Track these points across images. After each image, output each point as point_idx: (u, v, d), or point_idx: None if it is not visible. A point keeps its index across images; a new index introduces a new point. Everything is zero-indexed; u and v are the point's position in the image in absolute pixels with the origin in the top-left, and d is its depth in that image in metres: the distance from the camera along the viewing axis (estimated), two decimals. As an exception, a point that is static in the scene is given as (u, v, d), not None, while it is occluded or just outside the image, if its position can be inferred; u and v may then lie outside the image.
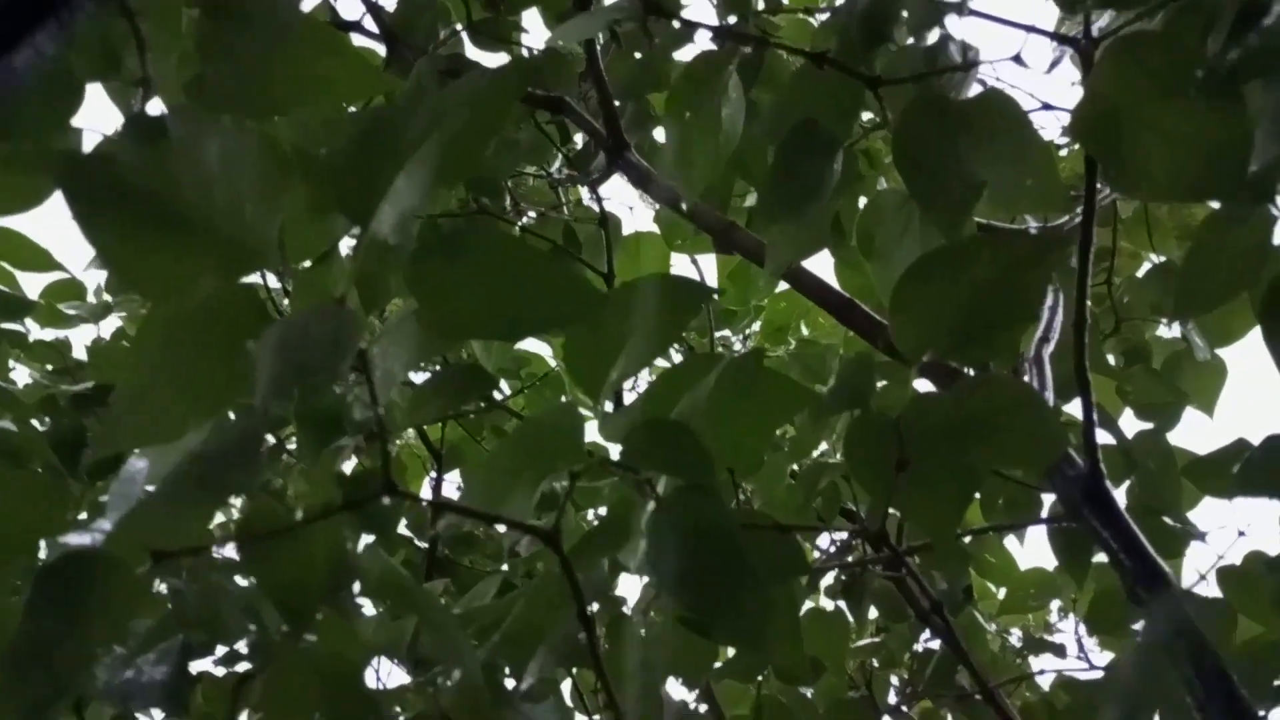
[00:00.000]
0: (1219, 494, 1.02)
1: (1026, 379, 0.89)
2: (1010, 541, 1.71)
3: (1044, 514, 1.31)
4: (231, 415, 0.46)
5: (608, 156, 1.06)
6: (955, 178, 0.63)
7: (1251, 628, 1.06)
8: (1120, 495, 1.43)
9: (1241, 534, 1.01)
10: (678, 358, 1.75)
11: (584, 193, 1.42)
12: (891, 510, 1.41)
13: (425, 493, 1.90)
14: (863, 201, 0.95)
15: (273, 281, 1.24)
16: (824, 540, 1.54)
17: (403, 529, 1.85)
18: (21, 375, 1.66)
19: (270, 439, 1.20)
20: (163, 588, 0.67)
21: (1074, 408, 1.56)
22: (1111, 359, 1.56)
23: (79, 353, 1.70)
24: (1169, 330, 1.57)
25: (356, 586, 0.61)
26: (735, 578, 0.54)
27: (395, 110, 0.47)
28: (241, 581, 0.63)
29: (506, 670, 0.82)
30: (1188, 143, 0.55)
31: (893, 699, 1.74)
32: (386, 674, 1.32)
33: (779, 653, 0.62)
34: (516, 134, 1.28)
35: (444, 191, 1.11)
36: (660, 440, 0.54)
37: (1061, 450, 0.55)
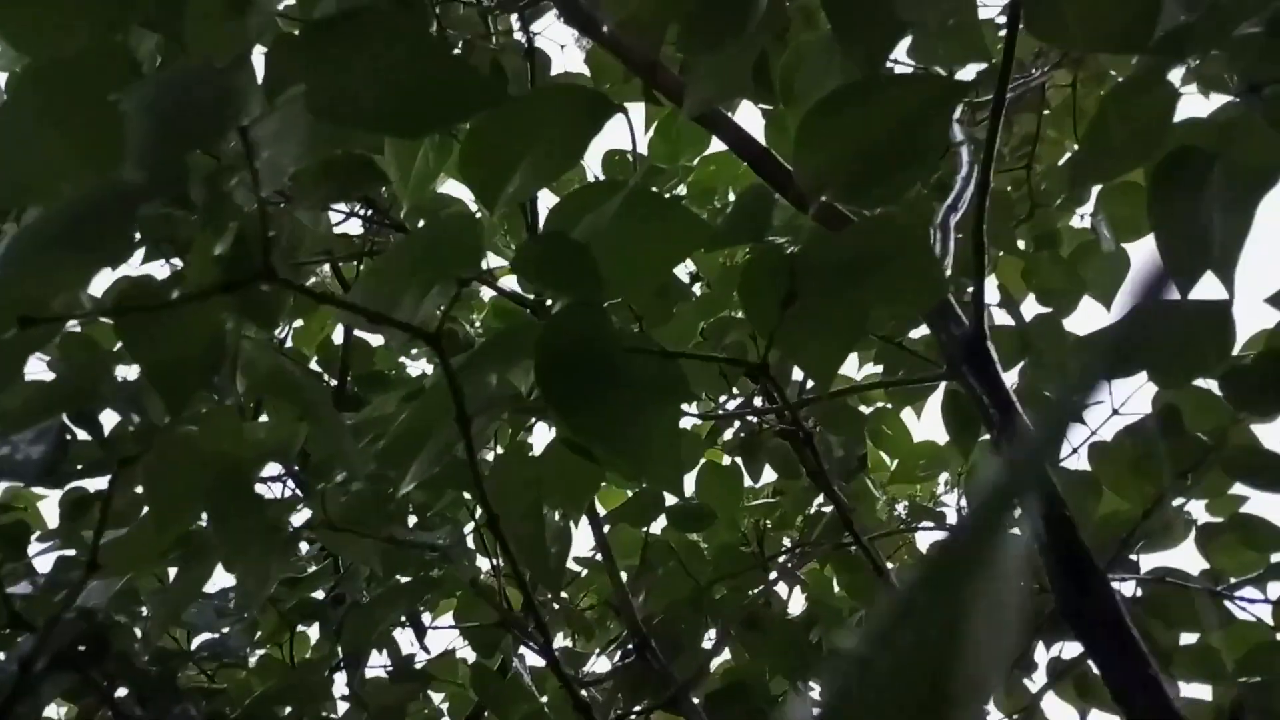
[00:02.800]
0: (1099, 372, 1.06)
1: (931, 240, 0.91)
2: (908, 416, 1.77)
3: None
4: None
5: (538, -16, 1.02)
6: (878, 13, 0.62)
7: (1112, 501, 1.13)
8: (1013, 377, 1.49)
9: (1115, 412, 1.06)
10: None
11: (516, 23, 1.37)
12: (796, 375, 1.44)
13: (339, 331, 1.89)
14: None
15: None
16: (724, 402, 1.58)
17: (314, 365, 1.84)
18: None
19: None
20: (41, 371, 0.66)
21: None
22: (1023, 244, 1.59)
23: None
24: (1082, 220, 1.61)
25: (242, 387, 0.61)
26: (617, 396, 0.55)
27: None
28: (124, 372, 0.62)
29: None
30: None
31: (783, 559, 1.82)
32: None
33: (658, 477, 0.63)
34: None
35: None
36: (553, 254, 0.54)
37: (942, 294, 0.57)
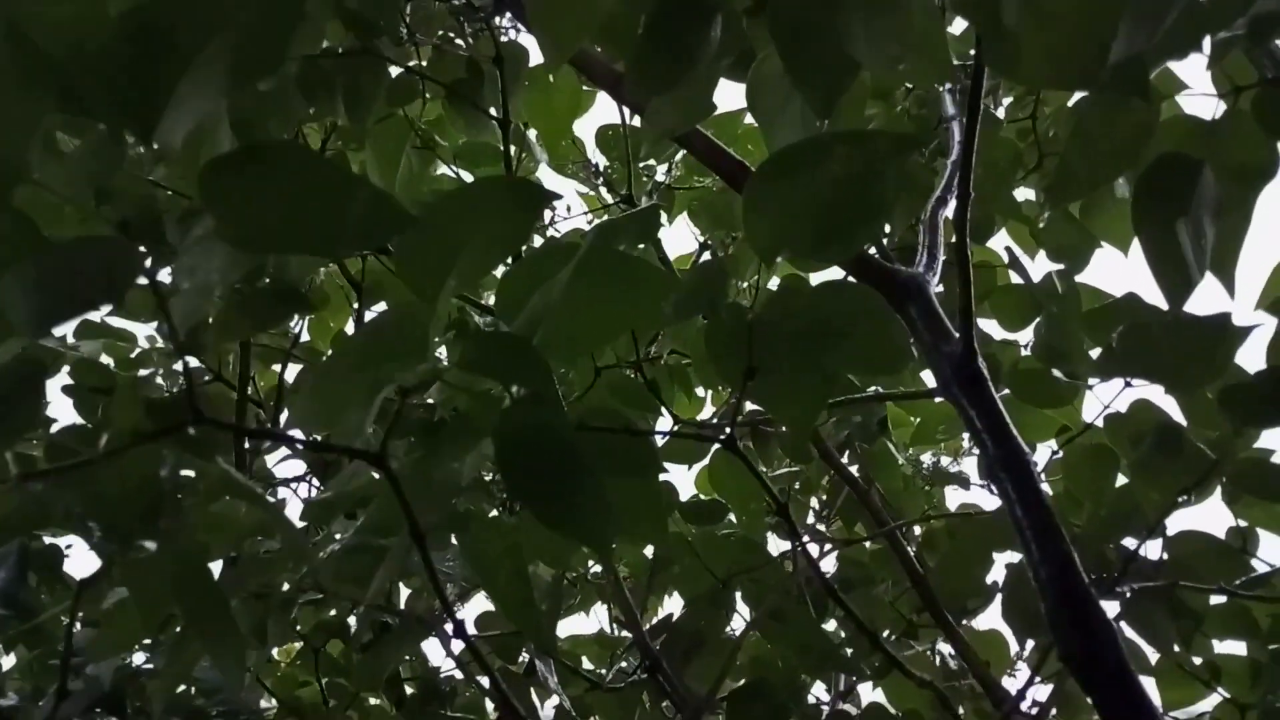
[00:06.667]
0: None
1: (919, 241, 0.87)
2: (928, 377, 1.74)
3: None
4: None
5: (497, -11, 0.98)
6: (830, 54, 0.59)
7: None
8: (1027, 334, 1.44)
9: (1128, 384, 1.02)
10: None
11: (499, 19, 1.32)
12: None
13: (350, 327, 1.87)
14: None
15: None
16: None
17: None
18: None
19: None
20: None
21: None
22: (1033, 195, 1.54)
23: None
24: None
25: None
26: (572, 480, 0.54)
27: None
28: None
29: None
30: (1058, 23, 0.51)
31: (810, 520, 1.81)
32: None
33: (649, 539, 0.62)
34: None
35: (322, 26, 1.03)
36: (497, 351, 0.52)
37: (904, 363, 0.54)
